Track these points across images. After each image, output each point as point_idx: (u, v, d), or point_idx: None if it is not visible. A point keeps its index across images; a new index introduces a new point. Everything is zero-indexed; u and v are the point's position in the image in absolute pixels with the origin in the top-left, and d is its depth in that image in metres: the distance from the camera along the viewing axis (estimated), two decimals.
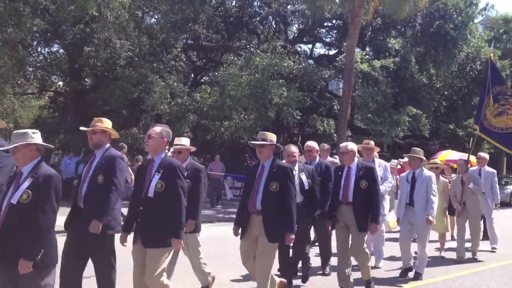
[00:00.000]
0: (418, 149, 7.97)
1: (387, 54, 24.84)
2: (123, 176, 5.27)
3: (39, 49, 22.89)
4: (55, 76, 24.66)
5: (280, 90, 19.23)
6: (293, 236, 5.51)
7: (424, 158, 7.95)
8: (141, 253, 4.96)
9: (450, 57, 25.68)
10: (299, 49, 29.14)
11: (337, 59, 26.09)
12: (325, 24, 27.54)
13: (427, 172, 7.87)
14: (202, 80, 27.65)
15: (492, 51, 28.28)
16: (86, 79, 21.85)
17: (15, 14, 16.92)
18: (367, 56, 24.75)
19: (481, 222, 10.35)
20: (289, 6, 26.74)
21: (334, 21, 27.06)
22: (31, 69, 22.67)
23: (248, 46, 24.48)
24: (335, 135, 24.73)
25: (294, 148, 6.73)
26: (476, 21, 29.53)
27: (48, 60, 22.96)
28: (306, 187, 6.70)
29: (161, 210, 4.88)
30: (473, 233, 9.53)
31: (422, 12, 24.11)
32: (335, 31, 28.01)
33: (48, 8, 19.35)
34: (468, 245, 9.61)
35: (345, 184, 6.60)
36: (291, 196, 5.53)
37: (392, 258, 9.20)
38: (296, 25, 28.90)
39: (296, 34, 28.96)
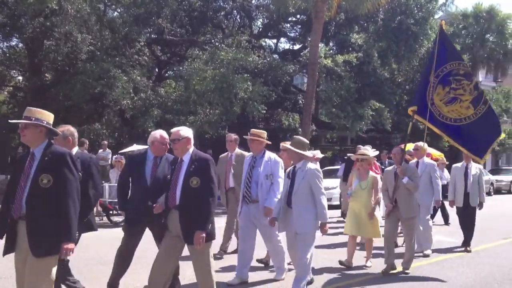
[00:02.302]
0: (298, 137, 6.53)
1: (350, 49, 25.13)
2: None
3: None
4: (14, 71, 24.12)
5: (245, 85, 19.25)
6: (69, 246, 4.11)
7: (303, 152, 6.27)
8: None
9: (411, 52, 26.17)
10: (263, 43, 29.19)
11: (301, 54, 26.29)
12: (290, 19, 27.63)
13: (311, 165, 6.27)
14: (166, 74, 27.42)
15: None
16: (46, 74, 21.44)
17: None
18: (331, 51, 25.01)
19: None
20: (253, 1, 26.74)
21: (298, 16, 27.17)
22: None
23: (212, 41, 24.37)
24: (299, 129, 24.92)
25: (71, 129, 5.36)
26: (436, 16, 30.11)
27: (7, 55, 22.45)
28: None
29: None
30: (407, 240, 7.88)
31: (384, 8, 24.49)
32: (300, 26, 28.16)
33: (6, 1, 18.89)
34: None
35: (174, 182, 5.11)
36: (68, 192, 4.16)
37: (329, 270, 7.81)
38: (261, 20, 28.90)
39: (260, 29, 28.97)
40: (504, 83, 37.49)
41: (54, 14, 19.10)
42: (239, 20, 28.13)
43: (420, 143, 9.62)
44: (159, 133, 5.95)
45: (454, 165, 10.44)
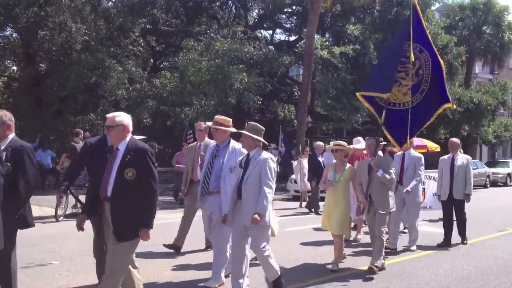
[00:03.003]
0: (253, 123, 5.94)
1: (346, 40, 25.02)
2: None
3: None
4: (8, 61, 23.92)
5: (241, 76, 19.19)
6: None
7: (259, 138, 5.69)
8: None
9: None
10: (259, 35, 29.05)
11: (297, 45, 26.17)
12: (285, 10, 27.48)
13: (264, 154, 5.67)
14: (161, 65, 27.28)
15: (449, 39, 29.10)
16: (41, 64, 21.28)
17: None
18: (327, 43, 24.90)
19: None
20: None
21: (294, 7, 27.03)
22: None
23: (208, 31, 24.21)
24: (295, 121, 24.86)
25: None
26: (433, 8, 30.08)
27: (1, 44, 22.23)
28: None
29: None
30: (373, 235, 7.29)
31: None
32: (295, 17, 28.01)
33: None
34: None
35: (107, 172, 4.66)
36: None
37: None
38: (256, 11, 28.77)
39: (256, 20, 28.83)
40: (500, 75, 37.47)
41: (48, 4, 18.94)
42: (234, 10, 27.97)
43: None
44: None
45: (441, 158, 9.87)
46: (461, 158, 9.36)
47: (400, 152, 8.93)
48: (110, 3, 23.57)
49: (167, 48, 26.62)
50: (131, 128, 4.76)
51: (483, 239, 10.26)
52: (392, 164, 7.54)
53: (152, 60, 26.73)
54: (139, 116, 18.88)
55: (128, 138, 4.69)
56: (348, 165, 7.47)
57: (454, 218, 9.55)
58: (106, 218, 4.67)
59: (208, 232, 6.76)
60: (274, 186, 5.60)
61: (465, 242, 9.45)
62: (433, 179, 11.03)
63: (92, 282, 6.09)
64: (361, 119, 24.76)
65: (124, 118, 4.72)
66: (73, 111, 21.11)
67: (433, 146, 19.42)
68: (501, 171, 29.82)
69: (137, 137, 14.52)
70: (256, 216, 5.36)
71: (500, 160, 35.20)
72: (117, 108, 22.05)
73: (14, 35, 22.30)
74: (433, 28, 27.87)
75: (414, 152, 9.06)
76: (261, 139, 5.72)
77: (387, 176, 7.09)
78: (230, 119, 6.46)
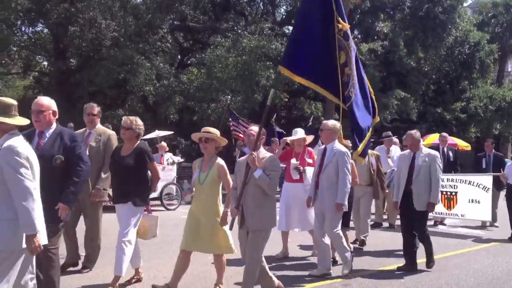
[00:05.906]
0: (2, 99, 3.82)
1: (375, 37, 24.77)
2: None
3: (23, 29, 22.57)
4: (39, 56, 24.34)
5: (268, 73, 19.15)
6: None
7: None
8: None
9: (438, 41, 25.67)
10: (287, 31, 28.91)
11: None
12: None
13: (10, 141, 3.62)
14: (188, 61, 27.43)
15: (481, 37, 28.51)
16: (71, 59, 21.59)
17: None
18: (356, 39, 24.68)
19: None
20: None
21: None
22: (15, 49, 22.32)
23: (235, 28, 24.25)
24: (322, 118, 24.69)
25: None
26: (465, 4, 29.50)
27: (33, 40, 22.63)
28: None
29: None
30: (248, 258, 5.13)
31: None
32: None
33: None
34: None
35: None
36: None
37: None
38: (284, 7, 28.74)
39: (284, 16, 28.75)
40: None
41: (78, 0, 19.24)
42: (262, 7, 27.95)
43: (328, 122, 7.06)
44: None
45: (400, 153, 7.88)
46: (425, 155, 7.06)
47: (322, 146, 7.04)
48: None
49: (194, 44, 26.75)
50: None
51: None
52: (276, 165, 5.23)
53: (179, 56, 26.89)
54: (166, 112, 19.04)
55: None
56: (219, 160, 5.58)
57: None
58: None
59: None
60: (32, 188, 3.57)
61: (430, 264, 7.09)
62: (468, 183, 10.57)
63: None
64: (389, 116, 24.48)
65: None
66: (102, 106, 21.36)
67: (464, 145, 18.98)
68: None
69: (164, 132, 14.52)
70: (33, 246, 3.57)
71: None
72: (145, 103, 22.27)
73: (45, 30, 22.71)
74: (465, 25, 27.38)
75: (339, 146, 6.83)
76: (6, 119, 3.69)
77: (266, 180, 5.00)
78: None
